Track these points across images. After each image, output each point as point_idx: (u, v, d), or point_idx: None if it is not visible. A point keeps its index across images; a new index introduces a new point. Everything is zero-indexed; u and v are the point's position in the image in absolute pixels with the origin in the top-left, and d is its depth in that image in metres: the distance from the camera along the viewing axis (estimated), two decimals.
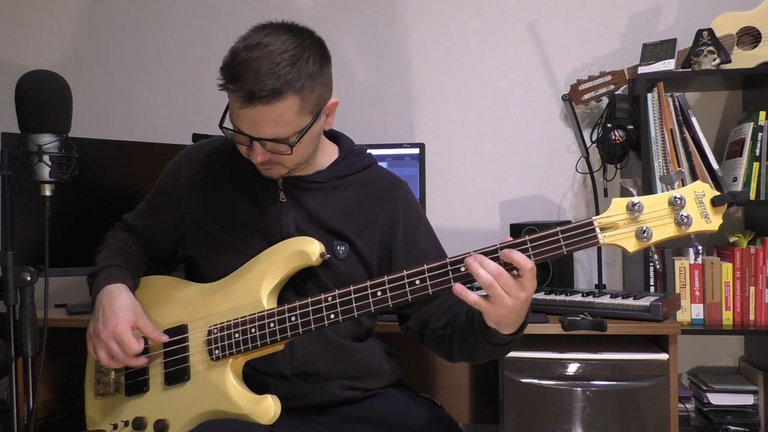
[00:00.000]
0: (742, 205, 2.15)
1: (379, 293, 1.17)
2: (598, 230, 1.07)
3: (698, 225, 1.04)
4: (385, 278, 1.17)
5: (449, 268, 1.13)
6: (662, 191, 1.09)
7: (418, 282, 1.15)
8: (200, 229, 1.39)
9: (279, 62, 1.16)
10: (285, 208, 1.35)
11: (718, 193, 1.04)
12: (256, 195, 1.36)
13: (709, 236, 2.22)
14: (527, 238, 1.09)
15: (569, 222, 1.12)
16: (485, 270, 1.07)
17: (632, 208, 1.05)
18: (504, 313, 1.08)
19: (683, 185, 1.07)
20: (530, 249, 1.09)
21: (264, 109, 1.17)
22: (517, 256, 1.06)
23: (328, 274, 1.32)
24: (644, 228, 1.05)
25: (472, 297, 1.08)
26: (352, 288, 1.20)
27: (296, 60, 1.18)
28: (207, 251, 1.39)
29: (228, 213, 1.37)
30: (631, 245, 1.06)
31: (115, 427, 1.34)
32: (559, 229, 1.08)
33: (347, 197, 1.37)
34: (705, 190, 1.05)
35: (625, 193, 1.08)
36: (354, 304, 1.19)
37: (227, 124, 1.25)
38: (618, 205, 1.07)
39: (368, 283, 1.19)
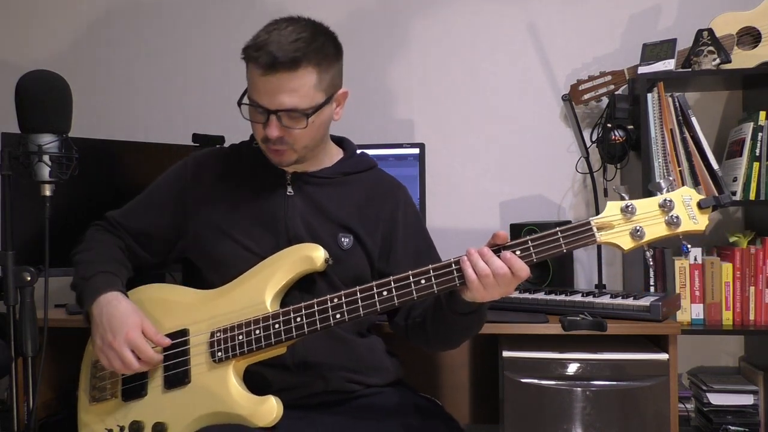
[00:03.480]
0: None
1: (384, 293, 1.21)
2: (595, 230, 1.14)
3: (686, 225, 1.13)
4: (391, 278, 1.21)
5: (453, 267, 1.18)
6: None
7: (423, 281, 1.19)
8: (206, 224, 1.40)
9: (299, 38, 1.26)
10: (292, 200, 1.39)
11: (704, 197, 1.12)
12: (263, 188, 1.40)
13: (708, 236, 2.25)
14: (528, 237, 1.15)
15: (569, 222, 1.16)
16: (472, 270, 1.15)
17: (626, 210, 1.13)
18: (479, 298, 1.19)
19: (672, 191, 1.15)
20: (531, 248, 1.15)
21: (284, 76, 1.25)
22: (518, 265, 1.14)
23: (333, 267, 1.34)
24: (637, 227, 1.13)
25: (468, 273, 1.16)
26: (357, 288, 1.22)
27: (314, 40, 1.28)
28: (211, 246, 1.39)
29: (235, 205, 1.40)
30: (626, 243, 1.13)
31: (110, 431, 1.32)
32: (558, 229, 1.15)
33: (352, 193, 1.43)
34: (691, 194, 1.13)
35: (618, 198, 1.17)
36: (360, 304, 1.21)
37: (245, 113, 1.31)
38: (613, 207, 1.14)
39: (374, 283, 1.22)
